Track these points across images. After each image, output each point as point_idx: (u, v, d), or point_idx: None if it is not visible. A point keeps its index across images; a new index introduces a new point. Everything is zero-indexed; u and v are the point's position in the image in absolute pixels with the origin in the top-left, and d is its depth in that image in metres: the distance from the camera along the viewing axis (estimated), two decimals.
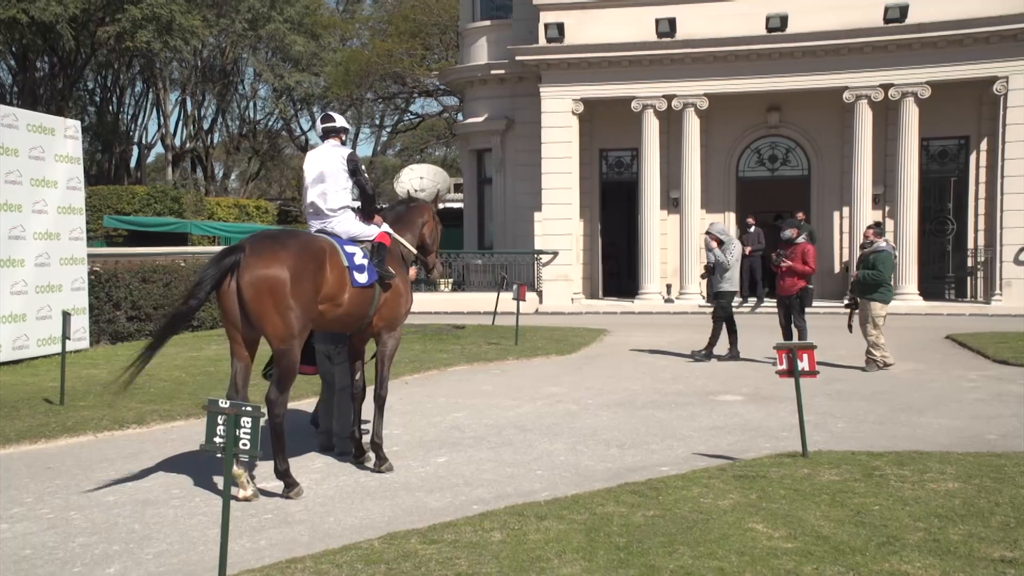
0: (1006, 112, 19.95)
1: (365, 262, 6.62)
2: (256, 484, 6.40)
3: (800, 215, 20.85)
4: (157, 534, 5.50)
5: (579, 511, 5.57)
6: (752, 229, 21.01)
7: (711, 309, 13.22)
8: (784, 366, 7.03)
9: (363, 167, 6.89)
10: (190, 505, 6.10)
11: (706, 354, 12.80)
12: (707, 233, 13.26)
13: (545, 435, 7.98)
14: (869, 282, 11.50)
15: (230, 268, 6.01)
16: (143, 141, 46.08)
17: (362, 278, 6.56)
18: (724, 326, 12.91)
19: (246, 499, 6.09)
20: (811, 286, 12.42)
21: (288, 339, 6.10)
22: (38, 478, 6.89)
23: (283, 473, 6.23)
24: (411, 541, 5.09)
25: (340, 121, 7.02)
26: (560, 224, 22.31)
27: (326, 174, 6.74)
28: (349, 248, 6.61)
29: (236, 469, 6.05)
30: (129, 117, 44.25)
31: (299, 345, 6.21)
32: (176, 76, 44.06)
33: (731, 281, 12.92)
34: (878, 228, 12.34)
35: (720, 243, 12.95)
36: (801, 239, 12.41)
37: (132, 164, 45.45)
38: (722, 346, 12.96)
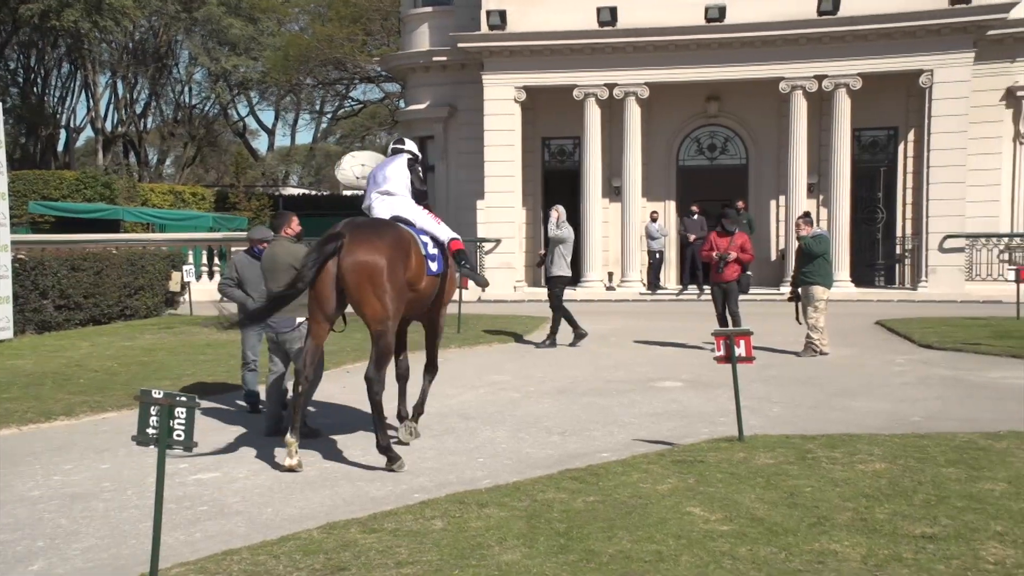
0: (931, 104, 20.55)
1: (436, 252, 7.14)
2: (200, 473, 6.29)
3: (740, 204, 21.23)
4: (86, 529, 5.37)
5: (520, 498, 5.59)
6: (695, 217, 21.28)
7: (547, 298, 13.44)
8: (722, 352, 7.13)
9: (419, 168, 7.45)
10: (122, 498, 5.97)
11: (550, 342, 13.07)
12: (557, 209, 13.41)
13: (487, 423, 7.99)
14: (813, 253, 11.71)
15: (332, 254, 6.38)
16: (71, 124, 44.62)
17: (434, 267, 7.09)
18: (563, 310, 13.14)
19: (291, 468, 6.40)
20: (749, 273, 12.62)
21: (384, 321, 6.48)
22: None
23: (385, 448, 6.50)
24: (351, 530, 5.05)
25: (408, 145, 7.60)
26: (503, 212, 22.31)
27: (389, 176, 7.35)
28: (423, 237, 7.08)
29: (289, 437, 6.49)
30: (56, 99, 42.85)
31: (394, 328, 6.62)
32: (106, 58, 42.76)
33: (559, 267, 13.10)
34: (807, 218, 12.57)
35: (558, 225, 13.15)
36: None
37: (60, 148, 44.06)
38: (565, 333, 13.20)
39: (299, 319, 7.42)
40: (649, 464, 6.34)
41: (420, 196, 7.43)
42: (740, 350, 7.07)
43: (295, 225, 8.04)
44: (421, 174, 7.53)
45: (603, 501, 5.48)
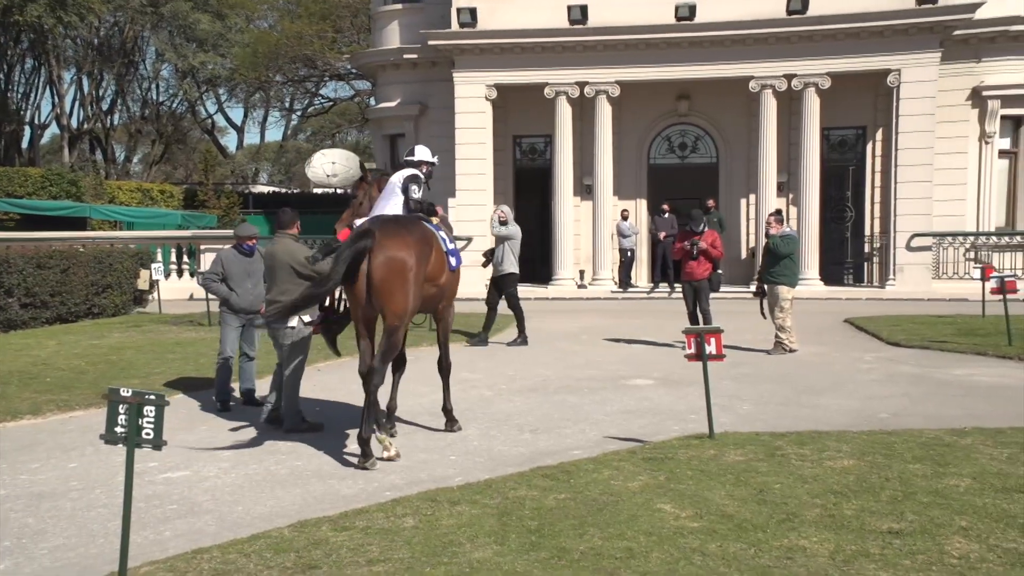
0: (899, 104, 20.82)
1: (454, 247, 7.42)
2: (184, 469, 6.24)
3: (711, 203, 21.40)
4: (53, 528, 5.31)
5: (492, 495, 5.60)
6: (666, 215, 21.37)
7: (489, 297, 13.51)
8: (692, 350, 7.18)
9: (414, 188, 7.44)
10: (89, 497, 5.90)
11: (520, 340, 13.17)
12: (501, 209, 13.49)
13: (459, 421, 7.98)
14: (779, 254, 11.84)
15: (365, 251, 6.45)
16: (36, 121, 43.87)
17: (454, 262, 7.34)
18: (516, 307, 13.29)
19: (389, 459, 6.58)
20: (719, 271, 12.72)
21: (403, 316, 6.62)
22: None
23: (365, 441, 6.55)
24: (322, 528, 5.04)
25: (418, 154, 7.73)
26: (474, 210, 22.28)
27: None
28: (440, 233, 7.29)
29: (379, 434, 6.72)
30: (20, 95, 42.10)
31: (408, 323, 6.77)
32: (71, 53, 42.11)
33: (510, 263, 13.19)
34: (779, 215, 12.69)
35: (503, 223, 13.22)
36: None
37: (24, 145, 43.31)
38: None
39: (293, 320, 7.59)
40: (620, 461, 6.37)
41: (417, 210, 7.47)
42: (711, 348, 7.13)
43: (296, 225, 8.30)
44: (419, 188, 7.51)
45: (574, 498, 5.50)
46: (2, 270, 14.35)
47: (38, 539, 5.13)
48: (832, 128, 22.50)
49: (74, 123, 43.66)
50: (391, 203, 7.37)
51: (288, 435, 7.47)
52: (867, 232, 22.70)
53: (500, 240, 13.20)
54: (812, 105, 21.16)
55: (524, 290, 21.96)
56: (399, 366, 7.79)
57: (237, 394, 9.08)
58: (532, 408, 8.64)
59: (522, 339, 13.17)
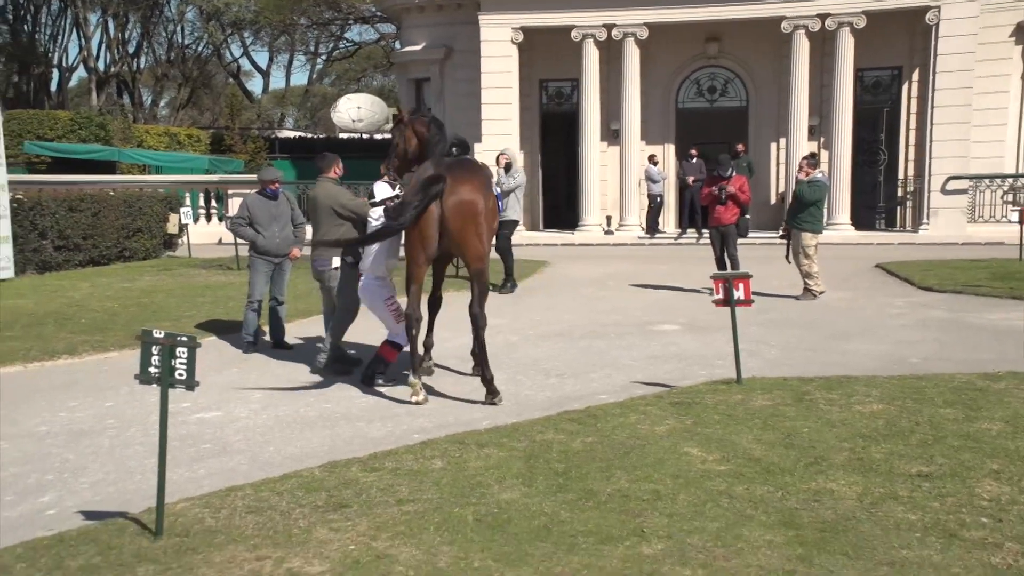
0: (937, 42, 20.18)
1: (498, 191, 7.36)
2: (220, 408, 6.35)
3: (740, 147, 21.02)
4: (92, 464, 5.43)
5: (519, 439, 5.64)
6: (694, 160, 21.09)
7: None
8: (720, 296, 7.13)
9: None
10: (126, 435, 6.03)
11: (511, 285, 12.93)
12: (504, 152, 13.27)
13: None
14: (805, 201, 11.69)
15: (437, 196, 6.42)
16: (63, 64, 43.88)
17: (502, 206, 7.48)
18: (510, 254, 13.03)
19: (418, 403, 6.64)
20: (747, 216, 12.56)
21: (484, 258, 6.71)
22: None
23: (491, 380, 6.76)
24: (352, 469, 5.11)
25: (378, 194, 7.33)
26: None
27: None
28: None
29: (412, 378, 6.73)
30: (47, 37, 42.07)
31: (488, 265, 6.83)
32: None
33: (514, 210, 13.00)
34: (812, 159, 12.45)
35: (509, 167, 12.99)
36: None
37: (53, 88, 43.41)
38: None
39: (336, 261, 7.69)
40: (647, 406, 6.39)
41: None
42: (739, 293, 7.07)
43: (339, 167, 8.23)
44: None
45: (601, 442, 5.53)
46: (36, 213, 14.51)
47: (79, 474, 5.25)
48: (866, 69, 21.91)
49: (101, 66, 43.62)
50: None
51: (319, 377, 7.53)
52: (900, 175, 22.25)
53: (508, 192, 12.85)
54: (846, 45, 20.60)
55: (550, 236, 22.08)
56: (436, 307, 7.79)
57: (266, 337, 9.18)
58: (558, 353, 8.65)
59: (511, 284, 13.00)
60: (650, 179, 21.63)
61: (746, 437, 5.58)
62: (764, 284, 12.44)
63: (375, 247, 7.14)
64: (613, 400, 6.65)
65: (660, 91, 23.01)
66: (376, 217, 7.17)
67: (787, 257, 12.14)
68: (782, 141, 22.09)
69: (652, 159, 21.85)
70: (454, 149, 7.33)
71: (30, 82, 40.68)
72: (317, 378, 7.60)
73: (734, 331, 7.06)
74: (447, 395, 7.04)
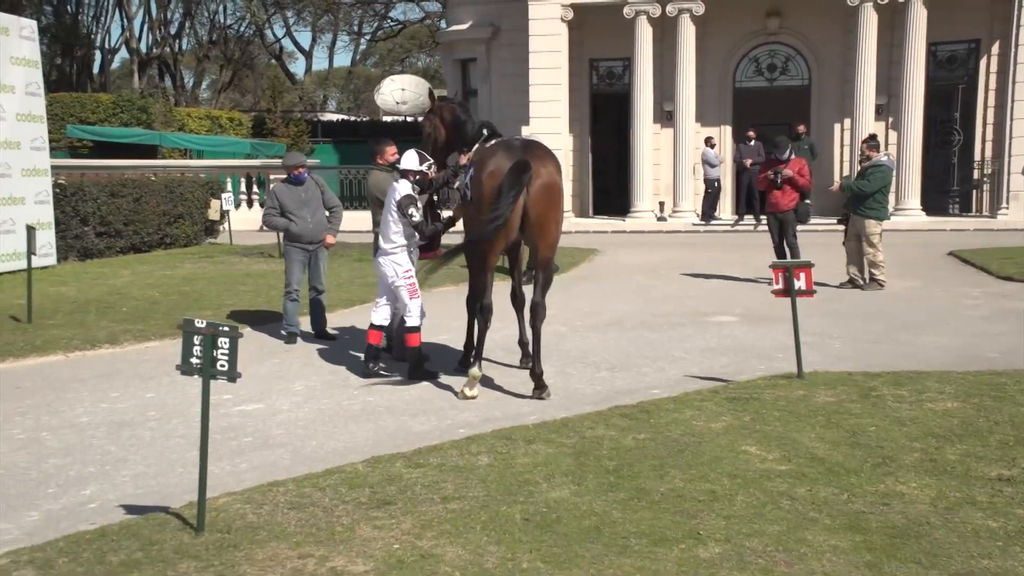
0: (1021, 11, 19.45)
1: None
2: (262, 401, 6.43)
3: (801, 128, 20.60)
4: (134, 456, 5.53)
5: (568, 434, 5.61)
6: (752, 143, 20.73)
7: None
8: (780, 285, 7.03)
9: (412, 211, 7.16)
10: (167, 427, 6.12)
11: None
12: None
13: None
14: (855, 192, 11.46)
15: (527, 183, 6.31)
16: (106, 45, 44.68)
17: None
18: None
19: (469, 397, 6.59)
20: (808, 202, 12.34)
21: (555, 246, 6.75)
22: (7, 398, 6.89)
23: (540, 375, 6.71)
24: (396, 464, 5.12)
25: (404, 162, 7.23)
26: (548, 139, 21.67)
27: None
28: None
29: (475, 369, 6.67)
30: (90, 18, 42.82)
31: None
32: None
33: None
34: (873, 141, 12.15)
35: None
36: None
37: (95, 70, 44.23)
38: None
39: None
40: (702, 401, 6.32)
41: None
42: (800, 283, 6.97)
43: (388, 154, 8.24)
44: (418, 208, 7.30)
45: (654, 439, 5.48)
46: (78, 198, 14.79)
47: (120, 466, 5.35)
48: (940, 43, 21.26)
49: (143, 48, 44.34)
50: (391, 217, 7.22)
51: (368, 374, 7.48)
52: (977, 157, 21.60)
53: None
54: (918, 18, 19.97)
55: (600, 223, 21.97)
56: (522, 304, 7.68)
57: (307, 327, 9.26)
58: (608, 345, 8.61)
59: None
60: (706, 162, 21.36)
61: (808, 435, 5.48)
62: (826, 274, 12.20)
63: (392, 216, 7.10)
64: (666, 395, 6.59)
65: (716, 70, 22.68)
66: (405, 191, 7.10)
67: (844, 243, 11.89)
68: (846, 122, 21.64)
69: (708, 141, 21.55)
70: (484, 131, 7.37)
71: (73, 64, 41.46)
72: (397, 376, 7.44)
73: (795, 322, 6.94)
74: (493, 388, 7.03)
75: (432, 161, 7.32)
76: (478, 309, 6.83)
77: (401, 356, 7.74)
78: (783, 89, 22.81)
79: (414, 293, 7.28)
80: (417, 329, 7.29)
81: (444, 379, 7.27)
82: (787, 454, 5.15)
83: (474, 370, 6.70)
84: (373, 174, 8.25)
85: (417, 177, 7.19)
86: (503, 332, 8.84)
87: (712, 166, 21.24)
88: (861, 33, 20.43)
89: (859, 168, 12.02)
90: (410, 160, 7.20)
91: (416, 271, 7.47)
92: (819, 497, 4.52)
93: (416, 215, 7.10)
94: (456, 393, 6.77)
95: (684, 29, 21.27)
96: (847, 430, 5.56)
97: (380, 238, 7.31)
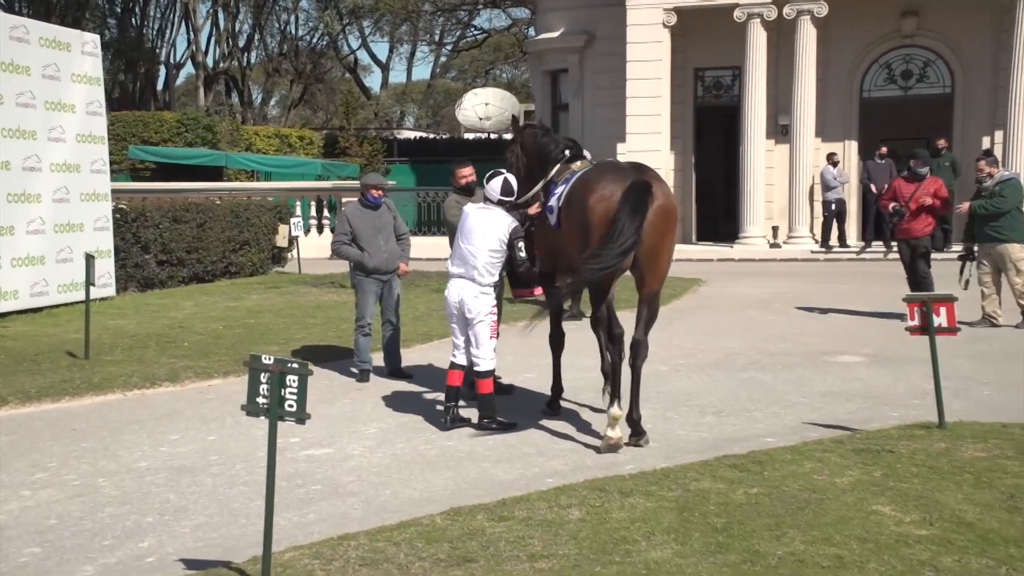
0: None
1: None
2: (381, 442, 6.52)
3: (941, 142, 19.99)
4: (194, 505, 5.67)
5: (670, 487, 5.57)
6: (883, 160, 20.21)
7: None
8: (916, 322, 6.85)
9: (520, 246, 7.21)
10: (230, 473, 6.27)
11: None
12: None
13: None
14: (989, 212, 11.06)
15: (647, 209, 6.34)
16: (171, 60, 46.47)
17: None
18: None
19: (616, 440, 6.47)
20: (947, 227, 11.98)
21: (664, 279, 6.85)
22: (62, 440, 7.16)
23: (637, 421, 6.74)
24: (478, 517, 5.14)
25: (492, 190, 7.20)
26: (647, 157, 21.77)
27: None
28: None
29: (615, 408, 6.55)
30: (155, 32, 44.58)
31: None
32: None
33: None
34: (989, 157, 11.76)
35: None
36: (1003, 173, 11.74)
37: (159, 86, 45.99)
38: None
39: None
40: (824, 452, 6.22)
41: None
42: (940, 319, 6.78)
43: (459, 176, 8.43)
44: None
45: (768, 494, 5.40)
46: (139, 224, 15.32)
47: (180, 516, 5.49)
48: None
49: (209, 62, 45.98)
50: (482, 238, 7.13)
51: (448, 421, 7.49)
52: None
53: None
54: None
55: (705, 250, 21.78)
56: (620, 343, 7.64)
57: (380, 363, 9.37)
58: (715, 386, 8.53)
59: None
60: (827, 184, 20.93)
61: (954, 495, 5.30)
62: (970, 309, 11.82)
63: (486, 245, 7.06)
64: (782, 444, 6.52)
65: (841, 78, 22.31)
66: (513, 222, 7.11)
67: (960, 282, 11.25)
68: (998, 135, 20.86)
69: (832, 158, 21.09)
70: (566, 152, 7.42)
71: (136, 81, 43.21)
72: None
73: (934, 364, 6.75)
74: (583, 433, 7.01)
75: (516, 190, 7.28)
76: (607, 340, 6.85)
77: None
78: (920, 98, 22.25)
79: (494, 333, 7.28)
80: (491, 374, 7.26)
81: (527, 423, 7.26)
82: (928, 516, 4.99)
83: (614, 410, 6.57)
84: (450, 198, 8.35)
85: (511, 204, 7.23)
86: (595, 371, 8.80)
87: (830, 188, 20.77)
88: (1018, 32, 19.78)
89: (976, 190, 11.61)
90: (493, 189, 7.15)
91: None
92: (970, 569, 4.36)
93: (523, 251, 7.13)
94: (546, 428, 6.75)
95: (804, 33, 21.04)
96: (1003, 491, 5.37)
97: (463, 268, 7.21)
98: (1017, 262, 11.13)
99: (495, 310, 7.29)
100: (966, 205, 11.49)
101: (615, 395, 6.62)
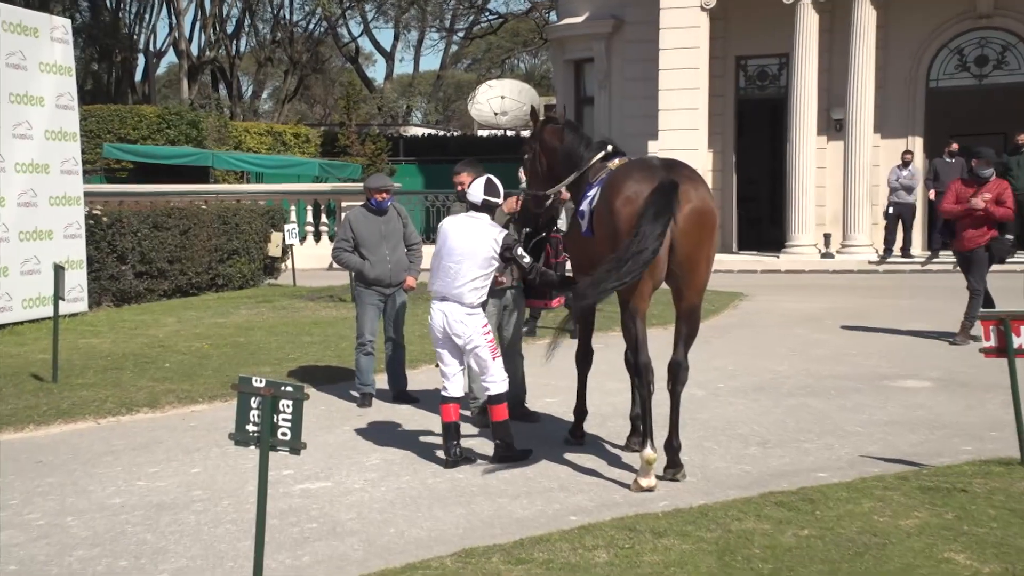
0: None
1: None
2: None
3: (1022, 138, 19.76)
4: (175, 546, 5.67)
5: (708, 527, 5.57)
6: (952, 159, 20.01)
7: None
8: (992, 342, 6.80)
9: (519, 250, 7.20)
10: (216, 510, 6.27)
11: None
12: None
13: (662, 427, 7.88)
14: None
15: (675, 210, 6.30)
16: (151, 48, 46.68)
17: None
18: None
19: (649, 489, 6.39)
20: (1009, 236, 11.88)
21: (704, 290, 6.82)
22: (26, 474, 7.17)
23: (676, 450, 6.74)
24: (492, 560, 5.14)
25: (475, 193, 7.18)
26: (682, 156, 21.61)
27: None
28: None
29: (648, 451, 6.43)
30: (132, 16, 44.71)
31: None
32: None
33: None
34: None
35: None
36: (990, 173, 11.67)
37: (138, 77, 46.19)
38: None
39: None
40: (886, 490, 6.19)
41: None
42: (1020, 340, 6.72)
43: (457, 179, 8.30)
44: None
45: (822, 536, 5.39)
46: (115, 231, 15.34)
47: (158, 559, 5.49)
48: None
49: (194, 50, 46.17)
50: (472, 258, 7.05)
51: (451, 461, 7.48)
52: None
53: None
54: None
55: (747, 260, 21.74)
56: (589, 360, 7.80)
57: (383, 385, 9.38)
58: (759, 414, 8.53)
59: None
60: (890, 184, 20.73)
61: None
62: None
63: (467, 261, 6.98)
64: (837, 479, 6.50)
65: (904, 66, 22.24)
66: (501, 231, 7.08)
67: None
68: None
69: (905, 158, 20.74)
70: (605, 149, 7.42)
71: (111, 71, 43.37)
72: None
73: (1014, 392, 6.69)
74: (611, 465, 7.02)
75: (502, 192, 7.24)
76: (636, 370, 6.71)
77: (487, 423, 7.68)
78: (998, 88, 22.11)
79: (495, 352, 7.17)
80: (504, 397, 7.17)
81: (549, 454, 7.25)
82: (1010, 567, 4.96)
83: (648, 452, 6.44)
84: (455, 206, 8.30)
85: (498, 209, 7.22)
86: (624, 395, 8.78)
87: (901, 188, 20.57)
88: None
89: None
90: (475, 191, 7.13)
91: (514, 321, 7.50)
92: None
93: (526, 256, 7.09)
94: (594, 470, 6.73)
95: (861, 15, 21.00)
96: None
97: (446, 289, 7.10)
98: None
99: (487, 328, 7.21)
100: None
101: (647, 434, 6.53)
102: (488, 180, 7.18)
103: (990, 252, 11.66)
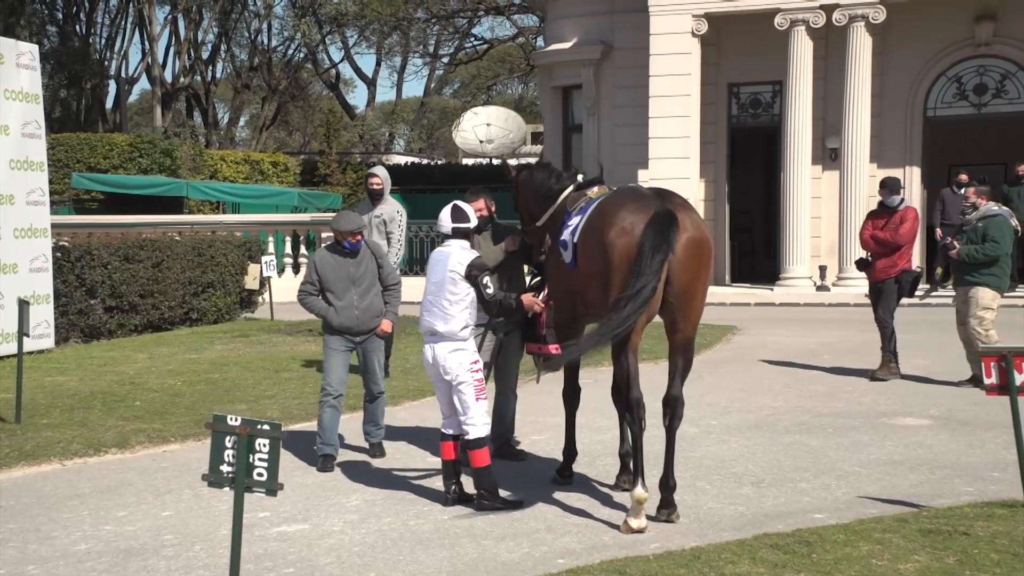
0: None
1: None
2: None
3: (1022, 168, 19.86)
4: None
5: (701, 570, 5.57)
6: (962, 189, 20.06)
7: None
8: (994, 379, 6.83)
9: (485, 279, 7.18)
10: (187, 555, 6.23)
11: None
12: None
13: (653, 466, 7.88)
14: (979, 259, 11.05)
15: (674, 243, 6.36)
16: (122, 74, 46.73)
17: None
18: None
19: (639, 530, 6.40)
20: (918, 267, 12.10)
21: (698, 322, 6.88)
22: None
23: (672, 489, 6.74)
24: None
25: (445, 221, 7.26)
26: (674, 185, 21.69)
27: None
28: None
29: (639, 490, 6.42)
30: (103, 41, 44.76)
31: None
32: None
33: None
34: (982, 186, 11.83)
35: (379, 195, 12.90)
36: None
37: (108, 105, 46.20)
38: None
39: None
40: (884, 532, 6.20)
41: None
42: (1023, 376, 6.74)
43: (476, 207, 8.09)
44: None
45: None
46: (83, 264, 15.30)
47: None
48: None
49: (168, 76, 46.25)
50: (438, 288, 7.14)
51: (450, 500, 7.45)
52: None
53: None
54: None
55: (740, 292, 21.79)
56: (577, 396, 7.84)
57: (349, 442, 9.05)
58: (754, 452, 8.55)
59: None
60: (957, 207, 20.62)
61: None
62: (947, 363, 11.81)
63: (456, 293, 7.01)
64: (834, 521, 6.52)
65: (901, 94, 22.43)
66: (468, 256, 7.10)
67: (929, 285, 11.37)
68: None
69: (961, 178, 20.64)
70: (577, 178, 7.65)
71: (81, 98, 43.38)
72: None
73: (1017, 430, 6.72)
74: (601, 505, 7.02)
75: (472, 215, 7.32)
76: (627, 405, 6.70)
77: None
78: (998, 117, 22.33)
79: (481, 393, 7.10)
80: (484, 442, 7.08)
81: (536, 494, 7.24)
82: None
83: (639, 491, 6.43)
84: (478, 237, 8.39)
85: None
86: (613, 432, 8.80)
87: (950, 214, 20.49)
88: None
89: (961, 221, 11.76)
90: (444, 221, 7.20)
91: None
92: None
93: (491, 287, 7.06)
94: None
95: (857, 42, 21.17)
96: None
97: (431, 320, 7.12)
98: (983, 310, 10.99)
99: (477, 366, 7.16)
100: (955, 251, 11.42)
101: (639, 473, 6.53)
102: (454, 207, 7.27)
103: (899, 284, 11.84)
